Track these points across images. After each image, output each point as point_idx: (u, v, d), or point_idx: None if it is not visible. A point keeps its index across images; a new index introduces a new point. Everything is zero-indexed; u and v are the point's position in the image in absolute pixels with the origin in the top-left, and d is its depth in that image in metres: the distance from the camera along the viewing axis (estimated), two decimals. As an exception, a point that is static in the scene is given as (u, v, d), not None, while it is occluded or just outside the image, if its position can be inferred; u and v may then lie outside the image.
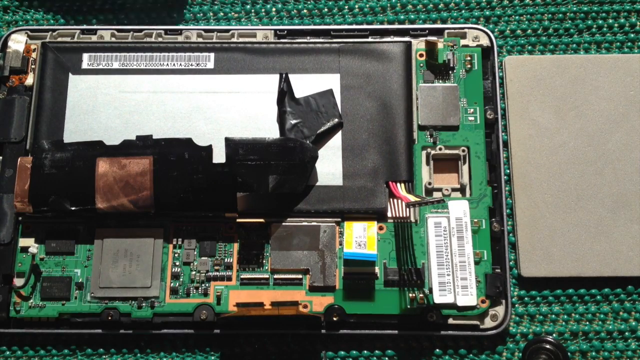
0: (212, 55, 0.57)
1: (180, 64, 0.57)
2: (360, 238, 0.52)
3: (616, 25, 0.60)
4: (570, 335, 0.54)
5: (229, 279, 0.54)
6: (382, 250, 0.54)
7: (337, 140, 0.55)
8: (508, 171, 0.57)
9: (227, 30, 0.59)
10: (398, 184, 0.54)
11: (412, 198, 0.51)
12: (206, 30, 0.59)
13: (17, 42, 0.58)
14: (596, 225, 0.55)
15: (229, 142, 0.52)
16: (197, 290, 0.53)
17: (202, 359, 0.54)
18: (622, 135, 0.56)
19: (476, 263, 0.53)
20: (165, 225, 0.54)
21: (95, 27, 0.59)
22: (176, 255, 0.54)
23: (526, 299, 0.55)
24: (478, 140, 0.56)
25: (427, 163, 0.56)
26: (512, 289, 0.55)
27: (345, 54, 0.57)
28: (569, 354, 0.53)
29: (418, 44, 0.58)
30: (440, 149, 0.56)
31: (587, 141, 0.56)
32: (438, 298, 0.51)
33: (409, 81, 0.56)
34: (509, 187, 0.56)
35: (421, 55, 0.57)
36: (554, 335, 0.54)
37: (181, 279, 0.54)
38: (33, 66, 0.58)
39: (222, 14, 0.61)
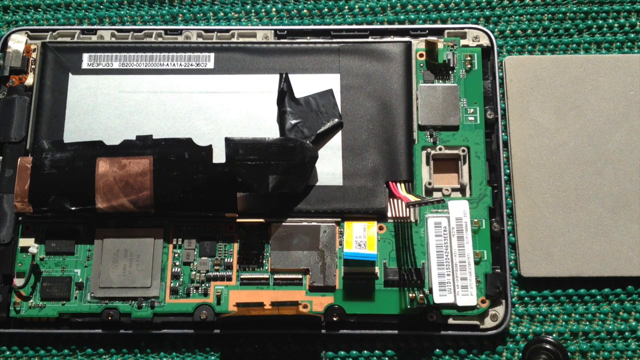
0: (212, 55, 0.57)
1: (180, 64, 0.57)
2: (360, 238, 0.52)
3: (616, 25, 0.60)
4: (570, 335, 0.54)
5: (229, 279, 0.54)
6: (382, 250, 0.54)
7: (337, 140, 0.55)
8: (508, 171, 0.57)
9: (227, 30, 0.59)
10: (398, 184, 0.54)
11: (412, 198, 0.51)
12: (206, 30, 0.59)
13: (17, 42, 0.58)
14: (596, 225, 0.55)
15: (229, 142, 0.52)
16: (197, 290, 0.53)
17: (202, 359, 0.54)
18: (622, 135, 0.56)
19: (476, 263, 0.53)
20: (165, 225, 0.54)
21: (95, 27, 0.59)
22: (176, 255, 0.54)
23: (526, 299, 0.55)
24: (478, 140, 0.56)
25: (427, 163, 0.56)
26: (512, 289, 0.55)
27: (345, 54, 0.57)
28: (569, 354, 0.53)
29: (418, 44, 0.58)
30: (440, 149, 0.56)
31: (587, 141, 0.56)
32: (438, 298, 0.51)
33: (409, 81, 0.56)
34: (509, 187, 0.56)
35: (421, 55, 0.57)
36: (554, 335, 0.54)
37: (181, 279, 0.54)
38: (33, 66, 0.58)
39: (222, 14, 0.61)
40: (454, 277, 0.51)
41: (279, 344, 0.54)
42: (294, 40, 0.58)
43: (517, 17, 0.60)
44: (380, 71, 0.56)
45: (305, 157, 0.53)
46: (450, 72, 0.57)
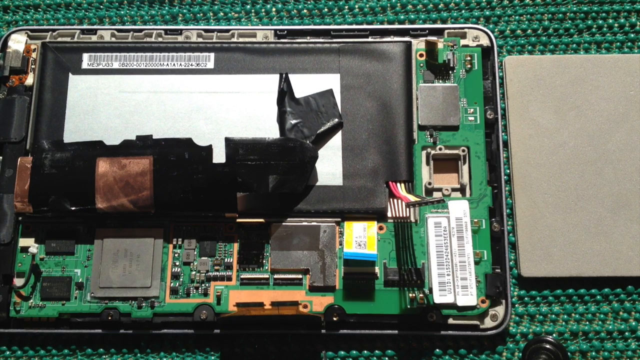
0: (212, 55, 0.57)
1: (180, 64, 0.57)
2: (360, 238, 0.52)
3: (616, 25, 0.60)
4: (570, 335, 0.54)
5: (229, 279, 0.54)
6: (382, 250, 0.54)
7: (337, 140, 0.55)
8: (508, 171, 0.57)
9: (227, 30, 0.59)
10: (398, 184, 0.54)
11: (412, 198, 0.51)
12: (206, 30, 0.59)
13: (17, 42, 0.58)
14: (596, 225, 0.55)
15: (229, 142, 0.52)
16: (197, 290, 0.53)
17: (202, 359, 0.54)
18: (622, 135, 0.56)
19: (476, 263, 0.53)
20: (165, 225, 0.54)
21: (95, 27, 0.59)
22: (176, 255, 0.54)
23: (526, 299, 0.55)
24: (478, 140, 0.56)
25: (427, 163, 0.56)
26: (512, 289, 0.55)
27: (345, 54, 0.57)
28: (569, 354, 0.53)
29: (418, 44, 0.58)
30: (440, 149, 0.56)
31: (587, 141, 0.56)
32: (438, 298, 0.51)
33: (409, 81, 0.56)
34: (509, 187, 0.56)
35: (421, 55, 0.57)
36: (554, 335, 0.54)
37: (181, 279, 0.54)
38: (33, 66, 0.58)
39: (222, 14, 0.61)
40: (454, 277, 0.51)
41: (279, 344, 0.54)
42: (294, 40, 0.58)
43: (517, 17, 0.60)
44: (380, 71, 0.56)
45: (305, 157, 0.53)
46: (450, 72, 0.57)
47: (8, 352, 0.55)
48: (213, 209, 0.53)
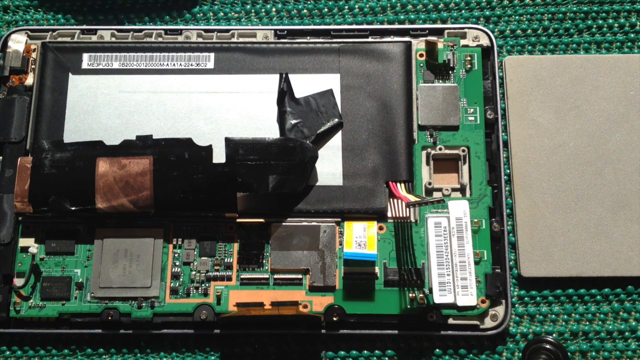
0: (212, 55, 0.57)
1: (180, 64, 0.57)
2: (360, 238, 0.52)
3: (616, 25, 0.60)
4: (570, 335, 0.54)
5: (229, 279, 0.54)
6: (382, 250, 0.54)
7: (337, 140, 0.55)
8: (508, 171, 0.57)
9: (227, 30, 0.59)
10: (398, 184, 0.54)
11: (412, 198, 0.51)
12: (206, 30, 0.59)
13: (17, 42, 0.58)
14: (596, 225, 0.55)
15: (229, 142, 0.52)
16: (197, 290, 0.53)
17: (202, 359, 0.54)
18: (622, 135, 0.56)
19: (476, 263, 0.53)
20: (165, 225, 0.54)
21: (95, 27, 0.59)
22: (176, 255, 0.54)
23: (526, 299, 0.55)
24: (478, 140, 0.56)
25: (427, 163, 0.56)
26: (512, 289, 0.55)
27: (345, 54, 0.57)
28: (569, 354, 0.53)
29: (418, 44, 0.58)
30: (440, 149, 0.56)
31: (587, 141, 0.56)
32: (438, 298, 0.51)
33: (409, 81, 0.56)
34: (509, 187, 0.56)
35: (421, 55, 0.57)
36: (554, 335, 0.54)
37: (181, 279, 0.54)
38: (33, 66, 0.58)
39: (222, 14, 0.61)
40: (454, 277, 0.51)
41: (279, 344, 0.54)
42: (294, 40, 0.58)
43: (517, 17, 0.60)
44: (380, 71, 0.56)
45: (305, 157, 0.53)
46: (450, 72, 0.57)
47: (8, 352, 0.55)
48: (213, 209, 0.53)
